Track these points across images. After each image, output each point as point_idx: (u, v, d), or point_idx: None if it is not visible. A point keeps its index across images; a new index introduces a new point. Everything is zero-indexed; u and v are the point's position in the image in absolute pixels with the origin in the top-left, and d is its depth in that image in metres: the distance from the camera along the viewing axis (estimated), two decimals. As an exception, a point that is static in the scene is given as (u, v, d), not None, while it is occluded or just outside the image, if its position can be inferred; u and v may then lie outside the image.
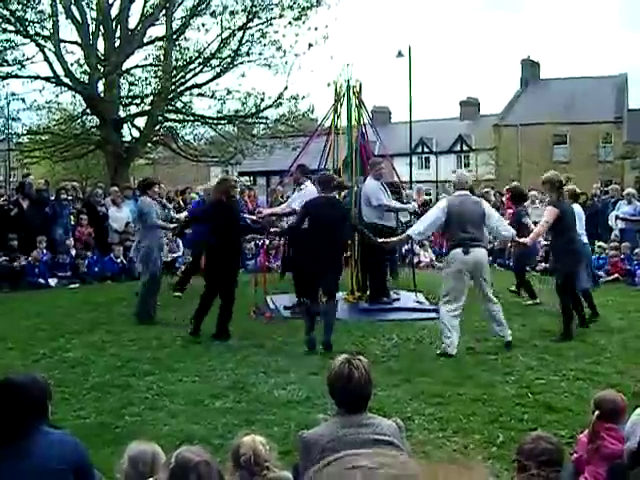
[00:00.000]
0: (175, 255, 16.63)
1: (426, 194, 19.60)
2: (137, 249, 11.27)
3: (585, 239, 11.17)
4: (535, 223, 11.01)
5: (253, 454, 3.72)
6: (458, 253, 8.81)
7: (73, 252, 16.14)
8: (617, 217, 16.74)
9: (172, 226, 12.14)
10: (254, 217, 11.74)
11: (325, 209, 9.07)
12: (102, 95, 22.79)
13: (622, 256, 15.35)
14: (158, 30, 23.99)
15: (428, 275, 15.05)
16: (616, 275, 14.86)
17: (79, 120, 24.74)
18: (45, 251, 15.60)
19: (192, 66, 23.62)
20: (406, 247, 16.19)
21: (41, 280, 15.04)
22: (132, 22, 23.21)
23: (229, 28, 23.24)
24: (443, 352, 8.65)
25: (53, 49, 22.02)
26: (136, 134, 24.71)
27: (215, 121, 24.96)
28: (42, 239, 15.52)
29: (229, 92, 23.95)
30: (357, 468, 1.23)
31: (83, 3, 22.27)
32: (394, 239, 10.35)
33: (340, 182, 9.54)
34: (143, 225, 11.10)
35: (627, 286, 14.22)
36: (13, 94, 23.34)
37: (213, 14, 23.09)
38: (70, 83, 22.57)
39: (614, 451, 4.42)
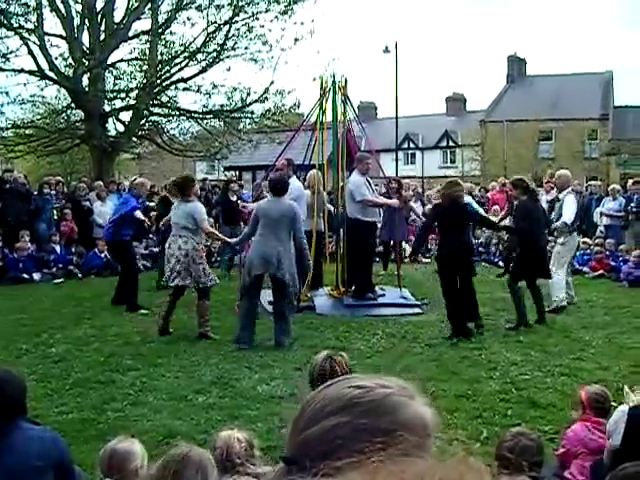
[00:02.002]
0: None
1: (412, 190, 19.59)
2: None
3: None
4: None
5: (225, 450, 3.70)
6: (575, 236, 11.68)
7: (57, 248, 16.05)
8: (602, 213, 16.82)
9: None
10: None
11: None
12: (87, 89, 22.66)
13: (607, 252, 15.39)
14: (143, 24, 23.90)
15: (413, 270, 15.05)
16: (601, 271, 14.89)
17: (63, 114, 24.56)
18: (30, 244, 15.52)
19: (178, 60, 23.54)
20: (391, 242, 16.17)
21: (25, 275, 14.94)
22: (117, 16, 23.15)
23: (215, 22, 23.19)
24: (558, 307, 10.93)
25: (37, 42, 21.89)
26: (121, 128, 24.61)
27: (201, 115, 24.89)
28: (25, 233, 15.43)
29: (215, 86, 23.90)
30: (356, 387, 1.25)
31: (68, -5, 22.14)
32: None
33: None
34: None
35: (612, 282, 14.25)
36: (-4, 87, 23.18)
37: (199, 8, 23.02)
38: (54, 77, 22.45)
39: (602, 445, 4.42)
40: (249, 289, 9.24)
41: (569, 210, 11.16)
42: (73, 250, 16.38)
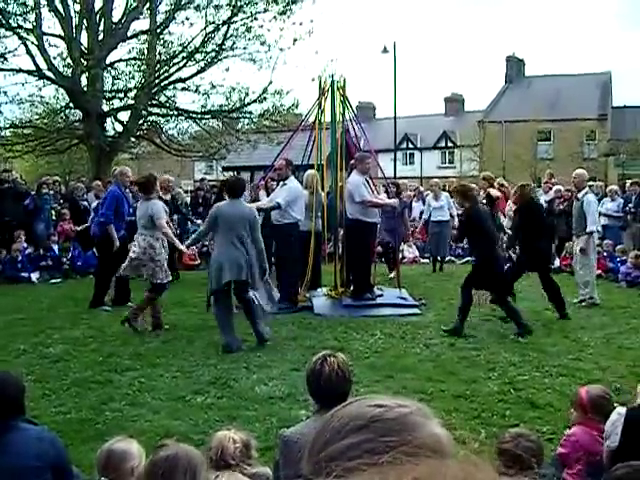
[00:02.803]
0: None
1: (410, 190, 19.61)
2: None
3: None
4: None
5: (220, 450, 3.71)
6: (595, 234, 12.14)
7: (56, 247, 16.03)
8: (600, 214, 16.81)
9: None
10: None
11: None
12: (85, 89, 22.64)
13: (605, 253, 15.36)
14: (142, 24, 23.88)
15: (412, 271, 15.04)
16: (599, 272, 14.85)
17: (62, 114, 24.52)
18: (26, 245, 15.49)
19: (176, 60, 23.49)
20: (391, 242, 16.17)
21: (23, 275, 14.91)
22: (116, 15, 23.12)
23: (213, 22, 23.15)
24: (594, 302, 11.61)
25: (36, 42, 21.86)
26: (119, 128, 24.60)
27: (199, 116, 24.87)
28: (20, 233, 15.39)
29: (213, 86, 23.87)
30: (375, 406, 1.25)
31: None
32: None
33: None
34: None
35: (610, 283, 14.24)
36: (-5, 87, 23.13)
37: (197, 8, 22.98)
38: (53, 76, 22.42)
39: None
40: (219, 295, 9.09)
41: (592, 214, 11.66)
42: (68, 247, 16.30)
